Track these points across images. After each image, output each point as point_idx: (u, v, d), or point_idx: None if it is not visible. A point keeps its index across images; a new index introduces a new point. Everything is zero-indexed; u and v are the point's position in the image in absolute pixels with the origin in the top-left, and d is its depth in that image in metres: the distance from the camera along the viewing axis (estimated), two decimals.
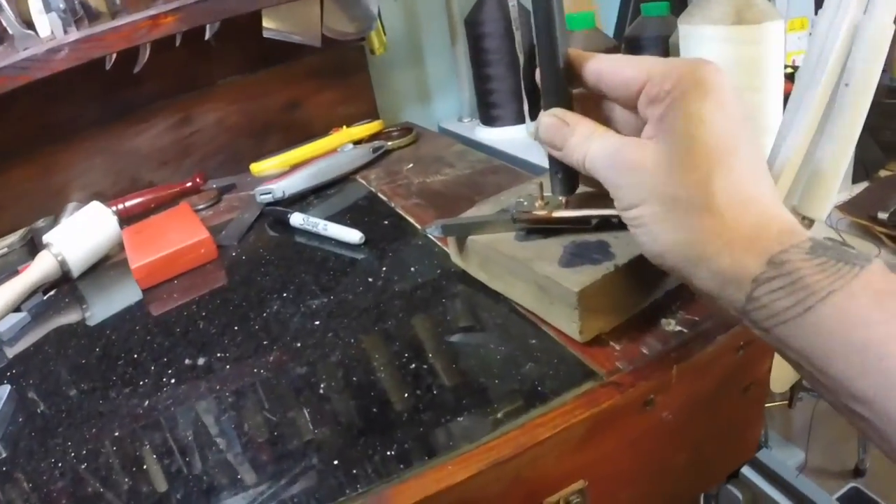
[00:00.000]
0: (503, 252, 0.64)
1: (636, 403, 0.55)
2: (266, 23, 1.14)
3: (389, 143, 1.18)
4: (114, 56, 1.07)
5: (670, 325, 0.60)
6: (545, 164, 0.59)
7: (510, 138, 1.25)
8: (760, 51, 0.84)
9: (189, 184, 1.20)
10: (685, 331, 0.59)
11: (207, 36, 1.12)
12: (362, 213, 0.97)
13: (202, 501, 0.52)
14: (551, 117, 0.53)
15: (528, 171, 1.02)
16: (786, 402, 1.33)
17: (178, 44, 1.09)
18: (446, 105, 1.52)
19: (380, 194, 1.03)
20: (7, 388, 0.73)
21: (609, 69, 0.51)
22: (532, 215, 0.64)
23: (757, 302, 0.43)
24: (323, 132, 1.22)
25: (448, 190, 1.00)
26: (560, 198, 0.61)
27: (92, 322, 0.87)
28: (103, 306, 0.91)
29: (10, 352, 0.84)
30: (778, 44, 0.85)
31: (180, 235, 0.91)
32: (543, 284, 0.60)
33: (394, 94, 1.46)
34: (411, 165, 1.10)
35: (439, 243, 0.81)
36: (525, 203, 0.67)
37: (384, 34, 1.31)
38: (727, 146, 0.45)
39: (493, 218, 0.68)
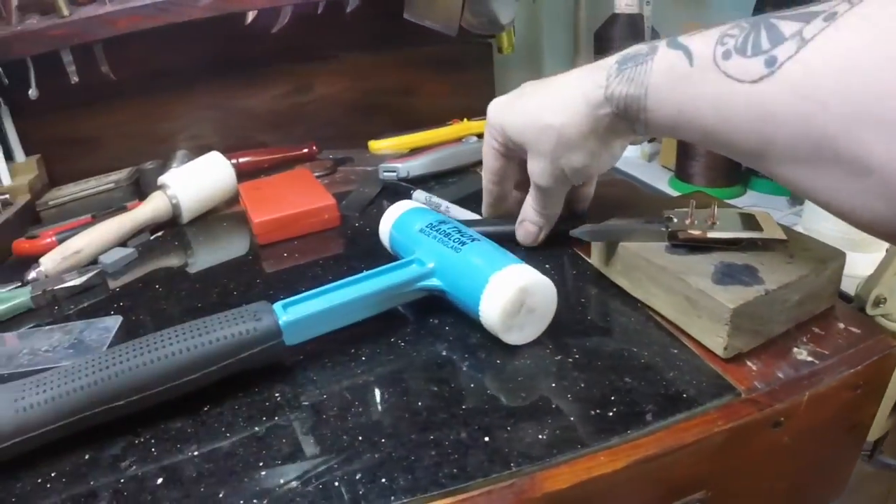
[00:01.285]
0: (654, 262, 0.64)
1: (768, 423, 0.55)
2: (409, 4, 1.14)
3: None
4: (254, 13, 1.08)
5: (801, 353, 0.61)
6: (655, 182, 0.61)
7: (624, 156, 1.24)
8: None
9: (305, 150, 1.20)
10: (815, 361, 0.59)
11: (349, 9, 1.12)
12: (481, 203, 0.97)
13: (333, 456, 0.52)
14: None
15: (643, 187, 1.01)
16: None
17: (319, 11, 1.10)
18: None
19: None
20: (118, 318, 0.74)
21: None
22: (688, 233, 0.66)
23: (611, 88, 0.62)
24: (432, 121, 1.22)
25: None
26: (708, 219, 0.64)
27: (196, 268, 0.88)
28: (210, 254, 0.91)
29: (114, 284, 0.85)
30: None
31: (305, 198, 0.91)
32: (695, 298, 0.60)
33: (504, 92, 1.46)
34: None
35: (572, 247, 0.80)
36: (675, 220, 0.67)
37: (514, 34, 1.32)
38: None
39: (642, 228, 0.68)
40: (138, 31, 1.05)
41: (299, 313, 0.60)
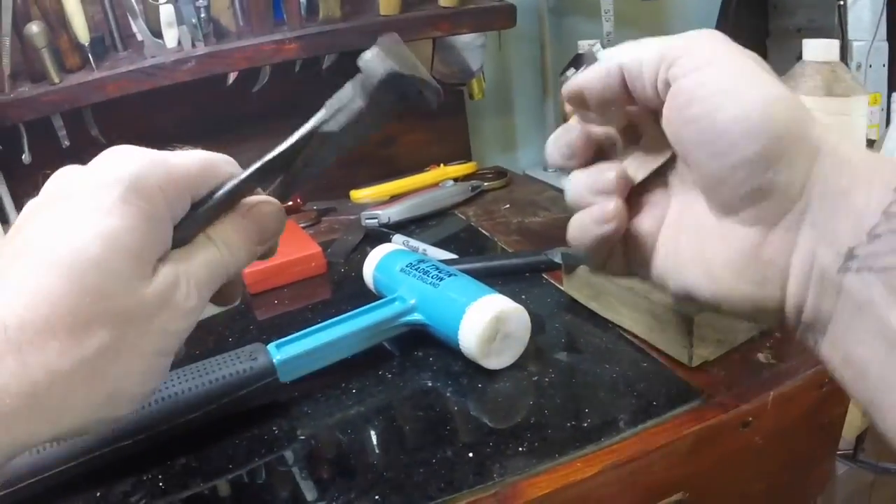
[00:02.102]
0: (621, 283, 0.69)
1: (736, 424, 0.60)
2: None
3: (486, 184, 1.23)
4: (235, 74, 1.13)
5: (765, 357, 0.65)
6: None
7: None
8: (848, 122, 0.90)
9: (290, 203, 1.24)
10: (778, 363, 0.64)
11: (324, 66, 1.18)
12: (463, 243, 1.02)
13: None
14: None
15: None
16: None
17: (297, 69, 1.15)
18: (531, 153, 1.56)
19: (480, 229, 1.07)
20: None
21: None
22: None
23: (879, 242, 0.32)
24: (412, 168, 1.27)
25: (546, 231, 1.03)
26: None
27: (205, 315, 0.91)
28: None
29: None
30: (863, 116, 0.91)
31: (292, 248, 0.95)
32: (660, 313, 0.65)
33: (481, 138, 1.50)
34: (508, 206, 1.15)
35: (545, 276, 0.85)
36: None
37: (483, 81, 1.37)
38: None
39: None
40: (127, 95, 1.09)
41: (292, 352, 0.64)
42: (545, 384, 0.64)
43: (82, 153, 0.96)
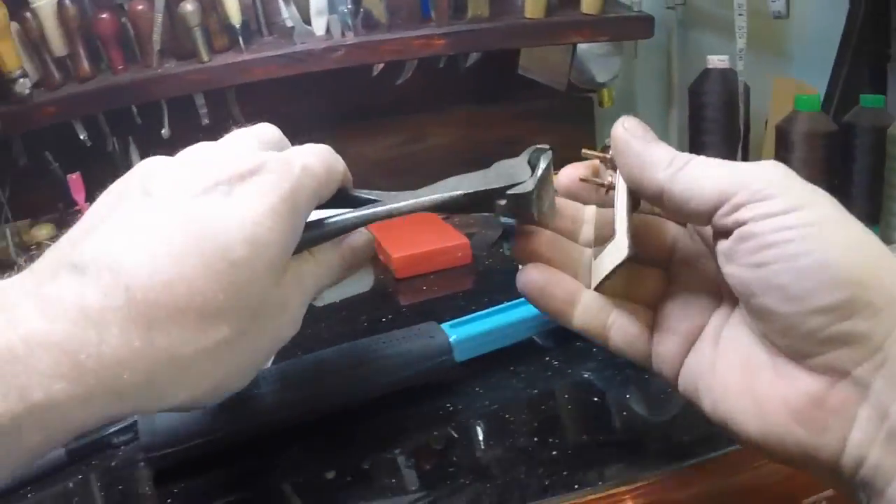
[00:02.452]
0: None
1: None
2: (522, 60, 1.21)
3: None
4: (381, 65, 1.15)
5: None
6: None
7: None
8: None
9: None
10: None
11: (469, 63, 1.19)
12: None
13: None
14: (635, 121, 0.43)
15: None
16: None
17: (440, 65, 1.17)
18: None
19: None
20: None
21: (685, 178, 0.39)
22: None
23: None
24: None
25: None
26: None
27: (323, 301, 0.92)
28: (340, 287, 0.96)
29: None
30: None
31: (438, 237, 0.98)
32: None
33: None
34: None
35: None
36: None
37: (613, 88, 1.37)
38: None
39: None
40: (267, 80, 1.12)
41: (467, 332, 0.66)
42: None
43: (219, 132, 0.99)
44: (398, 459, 0.58)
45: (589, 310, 0.46)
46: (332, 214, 0.44)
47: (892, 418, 0.32)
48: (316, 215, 0.44)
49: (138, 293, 0.32)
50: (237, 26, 1.09)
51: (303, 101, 1.26)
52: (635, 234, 0.43)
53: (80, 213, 1.02)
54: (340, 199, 0.45)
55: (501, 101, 1.36)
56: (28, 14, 1.06)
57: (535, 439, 0.58)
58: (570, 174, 0.49)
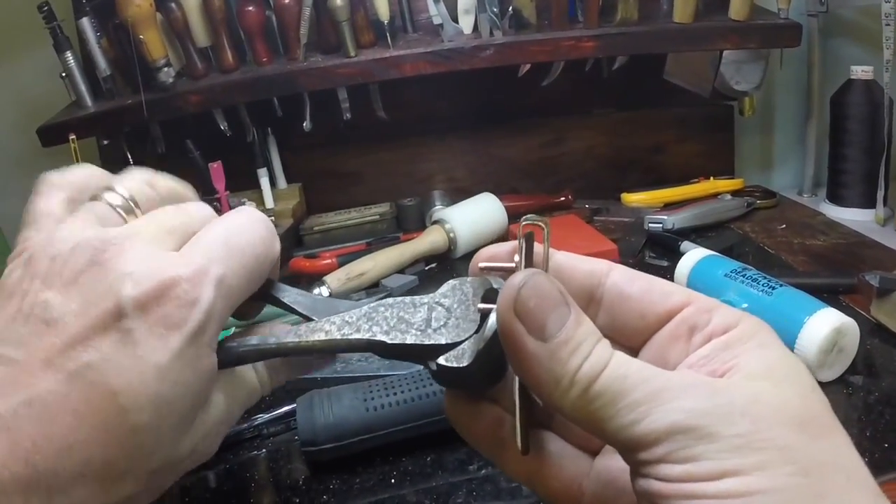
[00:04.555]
0: None
1: None
2: (669, 65, 1.20)
3: (758, 202, 1.21)
4: (527, 66, 1.15)
5: None
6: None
7: (856, 219, 1.25)
8: None
9: (562, 198, 1.25)
10: None
11: (615, 66, 1.18)
12: (748, 257, 1.02)
13: None
14: (549, 280, 0.30)
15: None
16: None
17: (587, 68, 1.16)
18: (787, 175, 1.52)
19: (764, 246, 1.06)
20: None
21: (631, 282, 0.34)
22: None
23: None
24: (677, 178, 1.27)
25: (831, 255, 1.01)
26: None
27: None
28: None
29: None
30: None
31: (586, 242, 0.96)
32: None
33: (740, 154, 1.48)
34: (784, 226, 1.12)
35: (842, 298, 0.84)
36: None
37: (755, 98, 1.35)
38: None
39: None
40: (409, 77, 1.12)
41: None
42: (867, 403, 0.63)
43: (357, 128, 1.00)
44: None
45: (514, 459, 0.35)
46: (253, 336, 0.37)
47: None
48: None
49: (38, 462, 0.29)
50: (385, 22, 1.09)
51: (444, 100, 1.27)
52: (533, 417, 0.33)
53: (219, 201, 1.04)
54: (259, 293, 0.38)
55: (643, 107, 1.35)
56: (173, 5, 1.08)
57: None
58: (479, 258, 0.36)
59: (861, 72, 1.23)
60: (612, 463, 0.33)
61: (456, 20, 1.11)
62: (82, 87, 1.12)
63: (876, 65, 1.21)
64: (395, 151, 1.31)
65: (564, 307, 0.29)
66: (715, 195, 1.21)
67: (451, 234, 1.02)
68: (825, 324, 0.64)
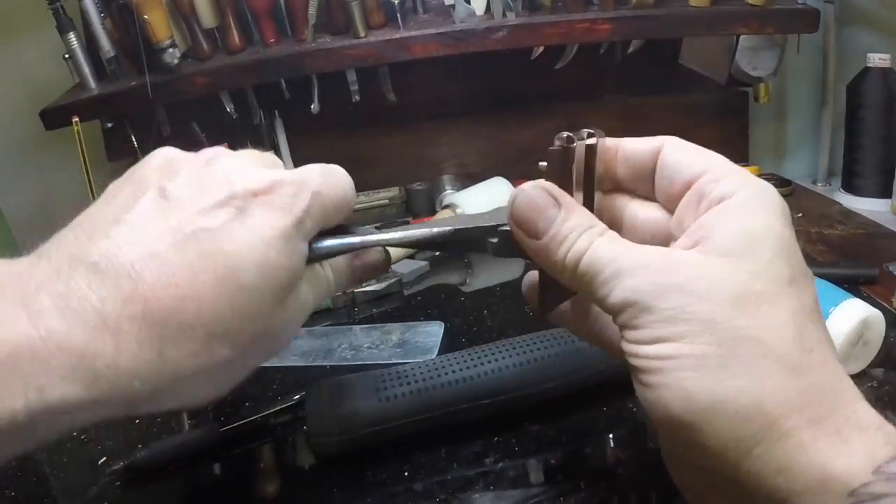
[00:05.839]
0: None
1: None
2: (684, 51, 1.17)
3: None
4: (540, 49, 1.12)
5: None
6: None
7: (872, 209, 1.23)
8: None
9: None
10: None
11: (630, 50, 1.16)
12: None
13: None
14: (538, 189, 0.38)
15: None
16: None
17: (601, 52, 1.14)
18: (800, 163, 1.50)
19: None
20: (441, 324, 0.78)
21: (668, 153, 0.40)
22: None
23: None
24: None
25: (849, 245, 0.99)
26: None
27: (473, 287, 0.93)
28: (488, 276, 0.95)
29: (408, 292, 0.92)
30: None
31: None
32: None
33: (753, 142, 1.46)
34: (800, 215, 1.10)
35: (863, 289, 0.82)
36: None
37: (770, 84, 1.33)
38: (809, 285, 0.35)
39: None
40: (419, 60, 1.10)
41: None
42: (893, 397, 0.61)
43: (365, 111, 0.99)
44: (571, 458, 0.56)
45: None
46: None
47: None
48: None
49: (154, 307, 0.32)
50: (395, 2, 1.07)
51: (455, 82, 1.25)
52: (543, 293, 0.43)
53: None
54: (338, 230, 0.43)
55: (657, 93, 1.33)
56: None
57: None
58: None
59: (878, 60, 1.22)
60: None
61: (468, 1, 1.08)
62: (86, 69, 1.11)
63: (893, 53, 1.20)
64: (405, 135, 1.29)
65: (553, 209, 0.37)
66: None
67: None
68: (852, 315, 0.62)
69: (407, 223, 1.07)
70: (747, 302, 0.32)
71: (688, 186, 0.38)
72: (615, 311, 0.35)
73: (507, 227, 0.40)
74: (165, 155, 0.38)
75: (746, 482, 0.31)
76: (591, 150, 0.41)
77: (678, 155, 0.39)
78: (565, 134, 0.40)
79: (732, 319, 0.32)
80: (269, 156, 0.42)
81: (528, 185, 0.38)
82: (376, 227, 0.47)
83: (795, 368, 0.32)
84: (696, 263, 0.34)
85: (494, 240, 0.41)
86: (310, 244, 0.39)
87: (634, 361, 0.34)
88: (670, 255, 0.35)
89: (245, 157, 0.40)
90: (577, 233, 0.36)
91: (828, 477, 0.30)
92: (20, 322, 0.31)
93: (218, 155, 0.39)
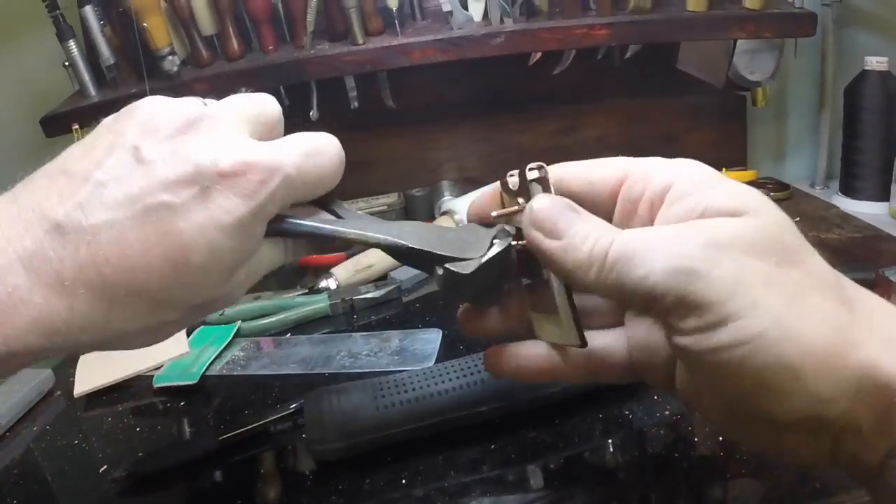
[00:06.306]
0: None
1: None
2: (682, 54, 1.18)
3: (771, 194, 1.19)
4: (538, 54, 1.13)
5: None
6: None
7: (870, 212, 1.23)
8: None
9: None
10: None
11: (628, 55, 1.16)
12: None
13: None
14: (554, 196, 0.38)
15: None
16: None
17: (599, 57, 1.14)
18: (799, 166, 1.50)
19: None
20: (439, 332, 0.78)
21: (573, 172, 0.41)
22: None
23: None
24: None
25: (846, 249, 1.00)
26: None
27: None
28: None
29: (406, 299, 0.92)
30: None
31: None
32: None
33: (752, 145, 1.46)
34: (798, 219, 1.10)
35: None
36: None
37: (768, 88, 1.33)
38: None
39: None
40: (417, 66, 1.10)
41: None
42: None
43: (366, 116, 0.99)
44: (569, 463, 0.57)
45: (568, 368, 0.43)
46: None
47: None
48: None
49: (107, 274, 0.35)
50: (394, 9, 1.07)
51: (454, 87, 1.26)
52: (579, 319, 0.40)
53: None
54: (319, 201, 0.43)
55: (655, 96, 1.33)
56: None
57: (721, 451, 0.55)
58: (478, 209, 0.45)
59: (876, 63, 1.21)
60: (638, 330, 0.41)
61: (465, 7, 1.09)
62: (86, 77, 1.11)
63: (891, 55, 1.20)
64: (404, 140, 1.29)
65: (570, 212, 0.37)
66: None
67: (461, 225, 1.01)
68: None
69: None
70: (787, 253, 0.33)
71: (613, 198, 0.40)
72: (661, 291, 0.32)
73: (451, 267, 0.40)
74: (151, 109, 0.39)
75: (857, 414, 0.32)
76: (543, 181, 0.40)
77: (586, 170, 0.41)
78: (515, 171, 0.41)
79: (787, 275, 0.32)
80: (263, 105, 0.43)
81: (540, 197, 0.38)
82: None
83: (851, 298, 0.34)
84: (719, 225, 0.33)
85: (440, 272, 0.40)
86: (278, 217, 0.40)
87: (709, 357, 0.32)
88: (689, 222, 0.35)
89: (234, 117, 0.40)
90: (598, 230, 0.35)
91: None
92: None
93: (202, 118, 0.38)
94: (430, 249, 0.41)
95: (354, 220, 0.43)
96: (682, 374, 0.39)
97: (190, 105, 0.39)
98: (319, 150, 0.41)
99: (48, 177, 0.37)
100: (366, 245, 0.43)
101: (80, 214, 0.35)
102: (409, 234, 0.42)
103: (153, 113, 0.38)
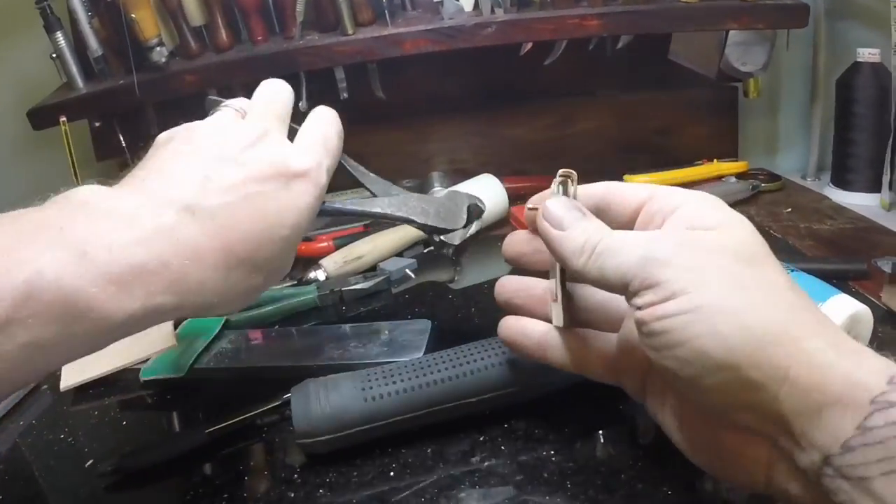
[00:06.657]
0: None
1: None
2: (674, 45, 1.17)
3: (762, 185, 1.19)
4: (529, 45, 1.12)
5: None
6: None
7: (862, 204, 1.23)
8: None
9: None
10: None
11: (619, 45, 1.15)
12: None
13: None
14: (566, 199, 0.47)
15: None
16: None
17: (590, 47, 1.13)
18: (791, 158, 1.50)
19: (770, 230, 1.04)
20: (428, 322, 0.77)
21: (612, 188, 0.49)
22: None
23: (869, 435, 0.32)
24: (681, 160, 1.24)
25: (838, 240, 0.99)
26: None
27: (461, 285, 0.92)
28: (476, 273, 0.95)
29: (395, 291, 0.92)
30: None
31: None
32: None
33: (744, 137, 1.46)
34: (790, 210, 1.10)
35: (852, 284, 0.81)
36: None
37: (759, 79, 1.33)
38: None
39: None
40: (409, 56, 1.09)
41: None
42: None
43: (356, 108, 0.99)
44: (558, 454, 0.56)
45: (559, 349, 0.52)
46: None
47: (799, 463, 0.36)
48: None
49: (227, 242, 0.45)
50: None
51: (447, 80, 1.25)
52: (570, 301, 0.52)
53: None
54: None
55: (648, 88, 1.32)
56: None
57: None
58: (513, 248, 0.57)
59: (868, 54, 1.21)
60: (626, 331, 0.48)
61: None
62: (73, 69, 1.10)
63: (883, 47, 1.19)
64: (397, 132, 1.28)
65: (575, 212, 0.45)
66: (719, 178, 1.19)
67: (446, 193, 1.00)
68: (840, 311, 0.62)
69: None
70: (749, 258, 0.39)
71: (636, 212, 0.46)
72: (631, 276, 0.39)
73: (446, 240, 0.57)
74: (236, 129, 0.51)
75: (784, 406, 0.35)
76: (565, 183, 0.50)
77: (621, 188, 0.48)
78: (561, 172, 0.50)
79: (741, 270, 0.38)
80: (285, 103, 0.58)
81: (554, 198, 0.47)
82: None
83: (806, 305, 0.38)
84: (695, 233, 0.40)
85: (437, 239, 0.58)
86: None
87: (656, 325, 0.38)
88: (674, 230, 0.42)
89: (276, 124, 0.53)
90: (595, 228, 0.43)
91: (853, 386, 0.33)
92: (140, 245, 0.41)
93: (265, 133, 0.51)
94: (433, 224, 0.65)
95: (368, 184, 0.69)
96: (652, 383, 0.47)
97: (245, 124, 0.52)
98: (329, 128, 0.58)
99: (149, 176, 0.47)
100: (386, 219, 0.66)
101: (201, 198, 0.45)
102: (414, 208, 0.65)
103: (216, 128, 0.51)
